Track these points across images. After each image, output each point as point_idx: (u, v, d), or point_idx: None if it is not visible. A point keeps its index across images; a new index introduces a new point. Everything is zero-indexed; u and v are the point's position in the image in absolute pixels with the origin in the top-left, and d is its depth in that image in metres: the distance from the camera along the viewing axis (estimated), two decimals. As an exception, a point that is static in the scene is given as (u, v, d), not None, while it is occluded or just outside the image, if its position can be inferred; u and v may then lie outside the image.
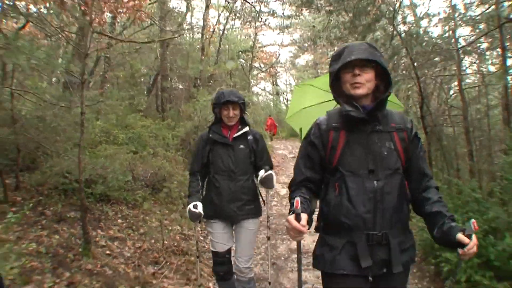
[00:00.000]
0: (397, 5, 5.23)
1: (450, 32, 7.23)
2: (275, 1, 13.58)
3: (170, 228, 5.37)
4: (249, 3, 9.10)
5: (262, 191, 3.30)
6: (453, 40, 6.59)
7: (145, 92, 12.23)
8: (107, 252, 4.16)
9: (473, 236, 1.55)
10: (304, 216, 1.59)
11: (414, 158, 1.81)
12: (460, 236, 1.56)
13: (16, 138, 4.68)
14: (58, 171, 4.87)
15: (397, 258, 1.68)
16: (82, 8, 4.20)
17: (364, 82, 1.74)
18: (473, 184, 4.06)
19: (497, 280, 3.16)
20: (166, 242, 4.73)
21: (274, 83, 32.91)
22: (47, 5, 4.74)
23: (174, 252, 4.56)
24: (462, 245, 1.55)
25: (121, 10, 5.52)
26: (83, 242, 3.94)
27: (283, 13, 15.02)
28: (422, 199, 1.79)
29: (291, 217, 1.59)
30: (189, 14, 14.79)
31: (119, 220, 5.19)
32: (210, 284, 4.14)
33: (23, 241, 3.79)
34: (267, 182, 2.96)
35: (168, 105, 12.88)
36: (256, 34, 16.21)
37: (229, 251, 3.15)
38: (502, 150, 5.38)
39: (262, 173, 2.97)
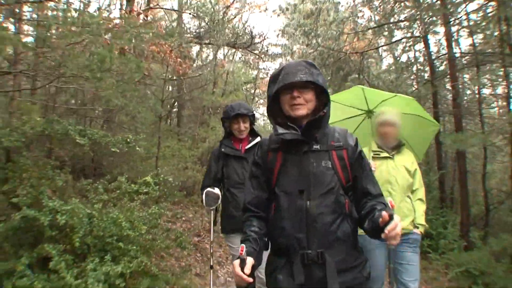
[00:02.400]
0: (363, 63, 7.57)
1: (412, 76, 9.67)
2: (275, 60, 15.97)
3: (201, 219, 7.55)
4: (256, 54, 11.47)
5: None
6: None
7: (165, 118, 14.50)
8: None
9: (395, 216, 1.46)
10: (249, 261, 1.57)
11: (358, 177, 1.78)
12: (381, 216, 1.48)
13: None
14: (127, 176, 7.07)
15: (333, 277, 1.62)
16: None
17: (304, 103, 1.73)
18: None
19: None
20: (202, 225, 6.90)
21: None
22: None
23: (209, 231, 6.73)
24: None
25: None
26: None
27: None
28: (362, 214, 1.73)
29: (236, 263, 1.56)
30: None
31: (167, 212, 7.35)
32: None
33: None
34: None
35: (184, 129, 15.18)
36: (258, 69, 18.51)
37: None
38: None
39: None
